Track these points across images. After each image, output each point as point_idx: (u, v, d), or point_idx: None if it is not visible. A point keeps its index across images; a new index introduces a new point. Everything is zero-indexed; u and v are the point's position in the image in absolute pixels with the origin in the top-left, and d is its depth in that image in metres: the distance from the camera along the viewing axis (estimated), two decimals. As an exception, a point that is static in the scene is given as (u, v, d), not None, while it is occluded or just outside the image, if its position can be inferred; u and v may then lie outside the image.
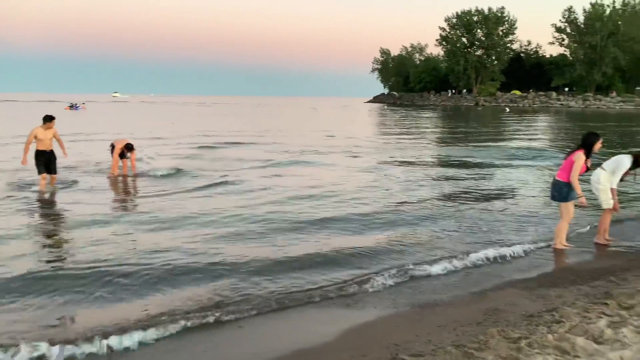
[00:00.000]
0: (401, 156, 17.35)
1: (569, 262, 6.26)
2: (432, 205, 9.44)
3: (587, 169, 6.59)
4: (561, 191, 6.52)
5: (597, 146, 6.59)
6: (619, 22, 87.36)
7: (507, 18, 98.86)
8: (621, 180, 6.70)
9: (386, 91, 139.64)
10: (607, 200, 6.65)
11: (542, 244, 6.92)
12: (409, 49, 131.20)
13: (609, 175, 6.63)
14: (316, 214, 8.45)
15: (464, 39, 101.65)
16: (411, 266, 5.90)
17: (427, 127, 35.45)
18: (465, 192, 10.88)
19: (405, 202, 9.70)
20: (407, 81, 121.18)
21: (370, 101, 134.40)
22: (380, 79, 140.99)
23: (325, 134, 26.97)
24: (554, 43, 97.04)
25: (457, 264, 6.21)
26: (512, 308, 4.58)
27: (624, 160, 6.55)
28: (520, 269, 6.01)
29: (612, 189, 6.53)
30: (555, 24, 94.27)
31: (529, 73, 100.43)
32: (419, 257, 6.42)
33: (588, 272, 5.58)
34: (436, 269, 5.94)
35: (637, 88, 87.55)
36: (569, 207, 6.59)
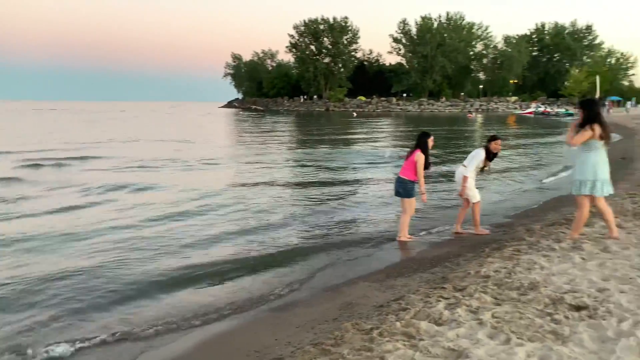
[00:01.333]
0: (256, 160, 17.42)
1: (411, 253, 6.83)
2: (284, 206, 9.63)
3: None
4: (406, 188, 7.09)
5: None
6: (445, 35, 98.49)
7: (350, 27, 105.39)
8: (481, 171, 7.51)
9: (240, 96, 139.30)
10: (474, 196, 7.35)
11: (388, 238, 7.47)
12: (261, 55, 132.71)
13: (471, 172, 7.34)
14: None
15: (312, 47, 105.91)
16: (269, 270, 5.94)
17: (284, 132, 36.13)
18: (319, 192, 11.31)
19: (265, 209, 9.74)
20: (260, 87, 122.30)
21: (224, 106, 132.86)
22: (233, 84, 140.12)
23: (177, 142, 25.97)
24: (392, 52, 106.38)
25: (313, 263, 6.42)
26: (364, 301, 4.84)
27: (479, 152, 7.34)
28: (370, 262, 6.41)
29: (464, 177, 7.24)
30: (393, 35, 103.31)
31: (372, 80, 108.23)
32: (282, 259, 6.51)
33: (428, 260, 6.14)
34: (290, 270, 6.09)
35: (462, 93, 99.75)
36: (412, 203, 7.18)
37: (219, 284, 5.73)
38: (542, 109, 69.31)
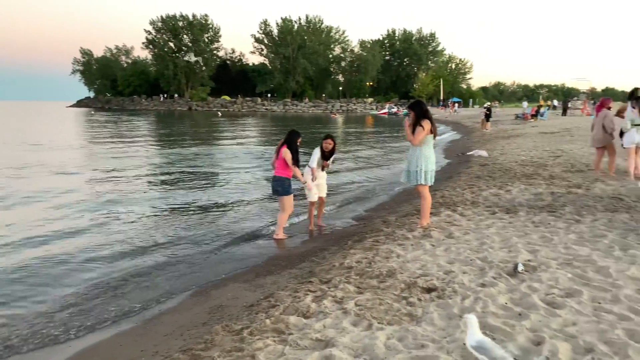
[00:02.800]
0: (111, 165, 16.25)
1: (282, 250, 6.95)
2: (149, 210, 9.16)
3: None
4: (284, 186, 7.19)
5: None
6: (305, 37, 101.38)
7: (211, 26, 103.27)
8: (322, 169, 7.79)
9: (92, 94, 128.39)
10: (310, 195, 7.65)
11: (258, 237, 7.52)
12: (114, 51, 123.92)
13: (314, 169, 7.61)
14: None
15: (171, 44, 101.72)
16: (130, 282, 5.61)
17: (143, 132, 34.11)
18: (188, 194, 10.93)
19: (128, 213, 9.14)
20: (115, 84, 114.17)
21: (74, 105, 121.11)
22: (83, 81, 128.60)
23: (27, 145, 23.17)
24: (255, 52, 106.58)
25: (180, 268, 6.21)
26: (234, 302, 4.81)
27: (316, 151, 7.64)
28: (240, 263, 6.39)
29: (312, 168, 7.51)
30: (255, 35, 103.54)
31: (236, 79, 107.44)
32: (149, 266, 6.16)
33: (296, 257, 6.30)
34: (155, 277, 5.83)
35: (324, 95, 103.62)
36: (290, 200, 7.30)
37: (78, 299, 5.26)
38: (394, 109, 74.90)
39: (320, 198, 7.85)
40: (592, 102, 42.37)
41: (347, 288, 4.36)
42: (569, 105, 46.22)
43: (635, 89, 9.86)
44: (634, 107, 9.56)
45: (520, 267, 4.47)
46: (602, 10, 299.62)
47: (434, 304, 3.87)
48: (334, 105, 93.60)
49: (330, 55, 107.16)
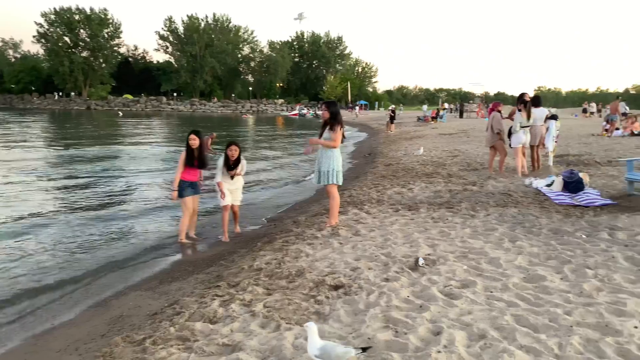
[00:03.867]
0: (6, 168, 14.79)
1: (188, 255, 6.71)
2: (43, 216, 8.44)
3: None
4: (179, 188, 6.92)
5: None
6: (213, 36, 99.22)
7: (111, 20, 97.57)
8: (232, 178, 7.52)
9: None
10: (222, 201, 7.35)
11: (163, 242, 7.21)
12: (0, 45, 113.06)
13: (220, 177, 7.32)
14: None
15: (66, 38, 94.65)
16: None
17: (37, 133, 31.39)
18: (85, 198, 10.21)
19: (19, 221, 8.34)
20: (1, 80, 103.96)
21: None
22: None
23: None
24: (159, 50, 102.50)
25: (77, 278, 5.78)
26: (136, 311, 4.57)
27: (220, 159, 7.35)
28: (143, 270, 6.08)
29: (217, 183, 7.26)
30: (159, 32, 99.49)
31: (139, 78, 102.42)
32: (39, 278, 5.65)
33: (203, 261, 6.12)
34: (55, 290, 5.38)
35: (233, 95, 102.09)
36: (187, 203, 7.02)
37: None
38: (304, 111, 75.74)
39: (233, 206, 7.45)
40: (486, 105, 45.72)
41: (256, 290, 4.32)
42: (466, 108, 49.57)
43: (523, 94, 10.78)
44: (520, 110, 10.45)
45: (421, 261, 4.69)
46: (495, 19, 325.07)
47: (341, 301, 3.94)
48: (243, 106, 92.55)
49: (239, 55, 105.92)
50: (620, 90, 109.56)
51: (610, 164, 11.86)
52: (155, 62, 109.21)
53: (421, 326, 3.35)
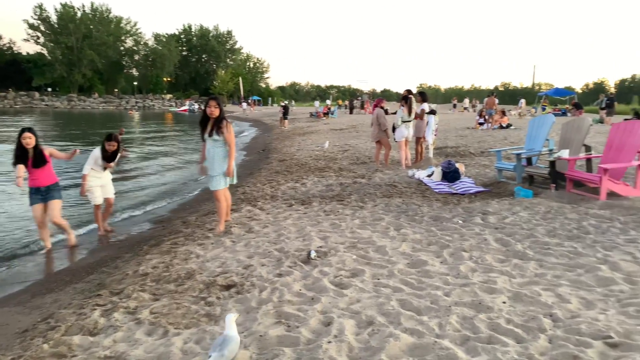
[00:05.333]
0: None
1: (64, 264, 6.17)
2: None
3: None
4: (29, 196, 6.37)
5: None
6: (91, 27, 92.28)
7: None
8: (104, 169, 7.08)
9: None
10: (93, 198, 6.96)
11: (34, 251, 6.57)
12: None
13: (89, 171, 6.90)
14: None
15: None
16: None
17: None
18: None
19: None
20: None
21: None
22: None
23: None
24: (29, 40, 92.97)
25: None
26: (4, 330, 4.09)
27: (95, 152, 6.95)
28: (13, 282, 5.48)
29: (83, 175, 6.82)
30: (28, 21, 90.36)
31: (5, 71, 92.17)
32: None
33: (83, 269, 5.66)
34: None
35: (116, 90, 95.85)
36: (34, 212, 6.36)
37: None
38: (195, 106, 73.35)
39: (107, 199, 7.18)
40: (373, 102, 47.74)
41: (142, 296, 4.08)
42: (355, 104, 51.33)
43: (406, 91, 11.40)
44: (403, 106, 11.03)
45: (313, 254, 4.76)
46: (381, 20, 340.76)
47: (233, 300, 3.86)
48: (128, 102, 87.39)
49: (122, 48, 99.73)
50: (491, 87, 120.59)
51: (482, 154, 12.98)
52: (25, 53, 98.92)
53: (312, 318, 3.38)
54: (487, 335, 3.05)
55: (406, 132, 11.01)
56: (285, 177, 10.21)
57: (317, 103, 53.91)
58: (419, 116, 11.51)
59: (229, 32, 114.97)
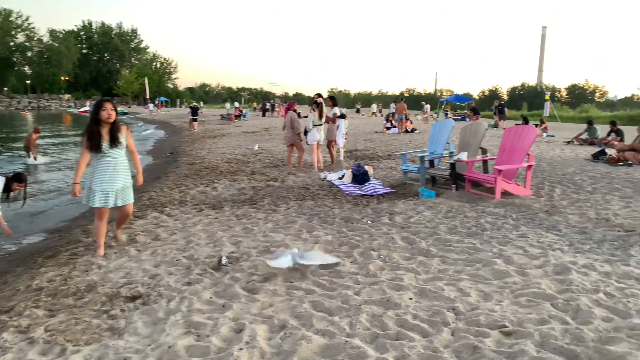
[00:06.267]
0: None
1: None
2: None
3: None
4: None
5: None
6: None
7: None
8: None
9: None
10: None
11: None
12: None
13: None
14: None
15: None
16: None
17: None
18: None
19: None
20: None
21: None
22: None
23: None
24: None
25: None
26: None
27: None
28: None
29: None
30: None
31: None
32: None
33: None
34: None
35: (6, 89, 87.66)
36: None
37: None
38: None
39: None
40: (285, 104, 47.92)
41: (35, 313, 3.75)
42: (267, 107, 51.22)
43: (316, 95, 11.56)
44: (314, 110, 11.18)
45: (224, 260, 4.66)
46: (294, 23, 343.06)
47: (139, 312, 3.67)
48: (20, 101, 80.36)
49: (12, 43, 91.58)
50: (397, 92, 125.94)
51: (389, 157, 13.51)
52: None
53: (223, 326, 3.31)
54: (395, 331, 3.16)
55: (318, 135, 11.17)
56: (195, 181, 9.92)
57: (227, 105, 52.99)
58: (330, 120, 11.72)
59: (134, 31, 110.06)
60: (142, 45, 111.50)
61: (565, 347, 2.87)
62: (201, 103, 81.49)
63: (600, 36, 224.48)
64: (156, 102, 70.87)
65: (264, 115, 46.87)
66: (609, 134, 16.58)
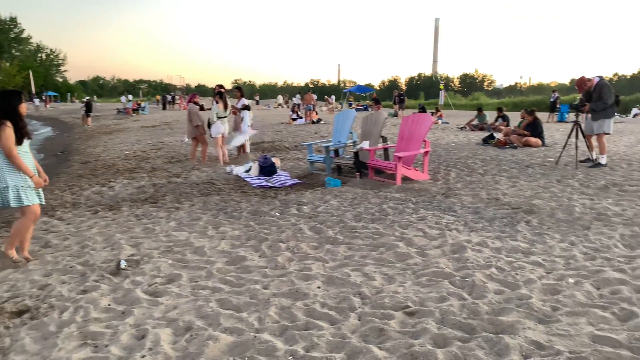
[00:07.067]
0: None
1: None
2: None
3: None
4: None
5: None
6: None
7: None
8: None
9: None
10: None
11: None
12: None
13: None
14: None
15: None
16: None
17: None
18: None
19: None
20: None
21: None
22: None
23: None
24: None
25: None
26: None
27: None
28: None
29: None
30: None
31: None
32: None
33: None
34: None
35: None
36: None
37: None
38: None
39: None
40: (187, 97, 46.29)
41: None
42: (168, 99, 49.19)
43: (218, 86, 11.25)
44: (217, 102, 10.88)
45: (123, 264, 4.39)
46: (190, 13, 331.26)
47: (26, 328, 3.34)
48: None
49: None
50: (302, 84, 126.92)
51: (296, 148, 13.57)
52: None
53: (124, 334, 3.11)
54: (304, 322, 3.16)
55: (222, 128, 10.90)
56: (90, 181, 9.27)
57: (123, 98, 50.02)
58: (237, 110, 11.48)
59: (13, 19, 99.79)
60: (24, 35, 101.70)
61: (463, 321, 3.04)
62: (95, 97, 76.50)
63: (488, 28, 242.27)
64: (43, 97, 65.29)
65: (164, 109, 44.98)
66: (496, 120, 17.94)
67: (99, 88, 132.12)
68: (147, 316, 3.37)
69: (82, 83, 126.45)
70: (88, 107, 28.06)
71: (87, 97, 39.71)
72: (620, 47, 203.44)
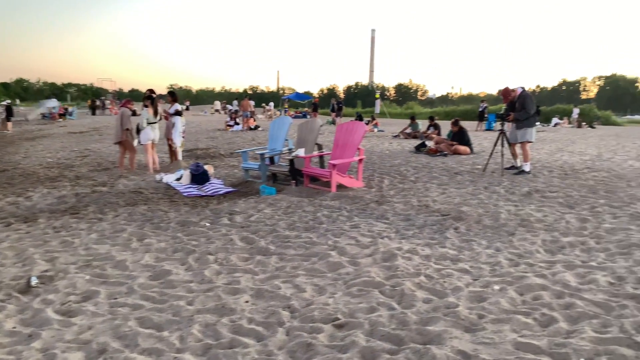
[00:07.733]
0: None
1: None
2: None
3: None
4: None
5: None
6: None
7: None
8: None
9: None
10: None
11: None
12: None
13: None
14: None
15: None
16: None
17: None
18: None
19: None
20: None
21: None
22: None
23: None
24: None
25: None
26: None
27: None
28: None
29: None
30: None
31: None
32: None
33: None
34: None
35: None
36: None
37: None
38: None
39: None
40: (119, 101, 44.44)
41: None
42: (98, 104, 47.00)
43: (149, 90, 10.81)
44: (147, 107, 10.44)
45: (35, 281, 4.04)
46: (123, 16, 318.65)
47: None
48: None
49: None
50: (241, 90, 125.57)
51: (232, 155, 13.30)
52: None
53: (30, 359, 2.83)
54: (229, 339, 3.01)
55: (152, 134, 10.47)
56: (5, 191, 8.57)
57: (50, 103, 47.22)
58: (168, 116, 11.08)
59: None
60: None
61: (392, 332, 3.01)
62: (17, 101, 71.95)
63: (421, 39, 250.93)
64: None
65: (94, 114, 42.93)
66: (428, 128, 18.50)
67: (22, 91, 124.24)
68: (56, 339, 3.09)
69: (3, 85, 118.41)
70: (8, 112, 26.20)
71: (8, 101, 37.09)
72: (543, 62, 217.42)
